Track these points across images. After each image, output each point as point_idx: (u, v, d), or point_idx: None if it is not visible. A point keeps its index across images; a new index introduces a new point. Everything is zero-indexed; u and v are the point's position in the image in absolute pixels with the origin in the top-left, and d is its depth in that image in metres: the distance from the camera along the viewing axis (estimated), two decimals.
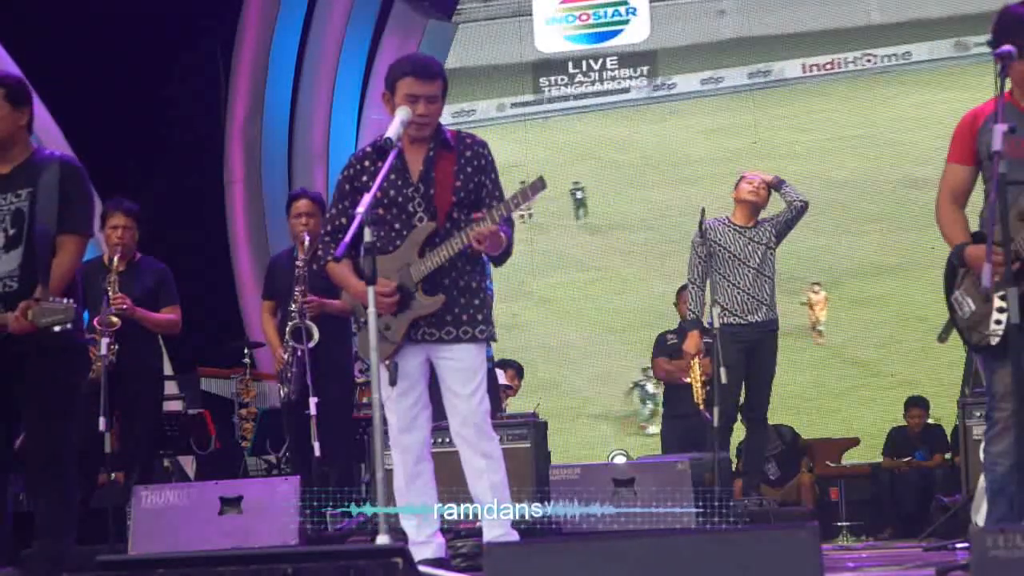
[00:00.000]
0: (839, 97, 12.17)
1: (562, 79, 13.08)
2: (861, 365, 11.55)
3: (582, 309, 12.70)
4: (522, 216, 12.47)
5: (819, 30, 12.23)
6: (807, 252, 11.49)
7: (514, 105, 12.96)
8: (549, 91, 13.13)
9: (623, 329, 12.32)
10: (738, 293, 7.61)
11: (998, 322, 4.37)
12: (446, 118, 5.19)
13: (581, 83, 13.06)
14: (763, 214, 7.86)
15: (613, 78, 13.00)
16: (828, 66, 12.22)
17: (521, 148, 12.69)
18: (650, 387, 11.77)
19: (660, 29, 12.77)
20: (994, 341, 4.39)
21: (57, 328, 4.43)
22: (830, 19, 12.26)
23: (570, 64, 13.08)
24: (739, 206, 7.78)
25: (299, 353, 6.92)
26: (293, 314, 6.96)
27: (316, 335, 6.91)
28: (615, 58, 13.00)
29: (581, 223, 12.73)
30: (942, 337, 4.66)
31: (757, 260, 7.67)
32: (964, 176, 4.60)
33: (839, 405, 11.59)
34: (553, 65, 13.11)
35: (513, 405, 9.61)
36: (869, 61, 12.11)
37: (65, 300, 4.48)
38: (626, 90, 12.80)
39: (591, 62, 13.02)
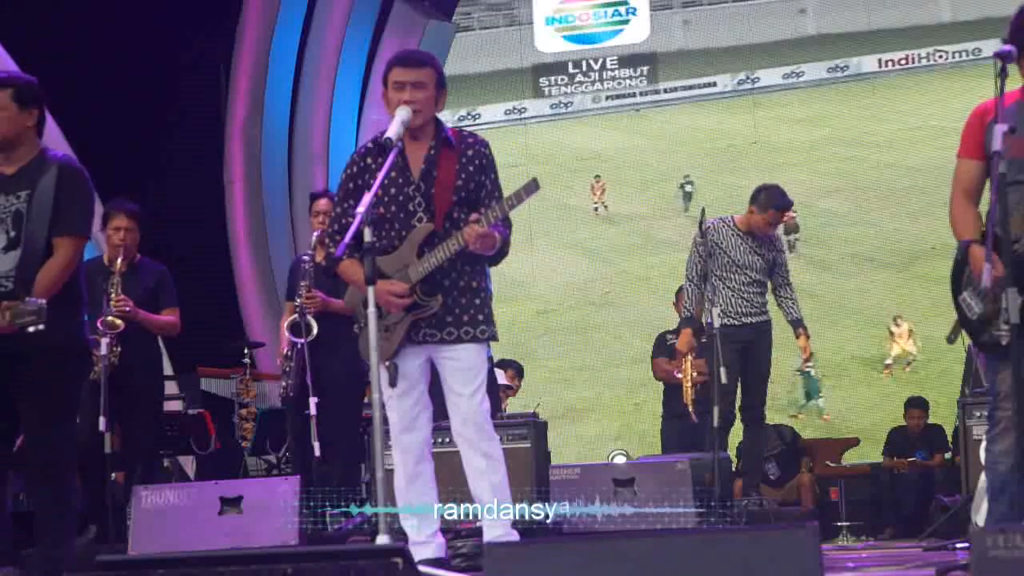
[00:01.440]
0: (914, 90, 12.69)
1: (562, 79, 13.09)
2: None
3: None
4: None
5: (894, 27, 12.80)
6: (890, 233, 11.88)
7: (609, 97, 13.20)
8: (549, 91, 13.13)
9: None
10: (732, 296, 7.61)
11: (1007, 323, 4.36)
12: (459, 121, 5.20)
13: (581, 83, 13.06)
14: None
15: (613, 78, 13.01)
16: (903, 61, 12.72)
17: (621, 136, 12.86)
18: (813, 373, 11.70)
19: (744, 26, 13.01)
20: (1004, 341, 4.39)
21: (31, 329, 4.40)
22: (904, 17, 12.81)
23: (570, 64, 13.09)
24: (756, 222, 7.72)
25: (298, 346, 6.95)
26: (298, 308, 7.01)
27: (315, 331, 6.93)
28: (615, 58, 13.01)
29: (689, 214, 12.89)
30: (951, 338, 4.66)
31: (755, 270, 7.67)
32: (975, 171, 4.59)
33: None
34: (553, 66, 13.12)
35: (513, 405, 9.62)
36: (941, 57, 12.64)
37: (39, 301, 4.46)
38: (713, 84, 13.10)
39: (591, 62, 13.03)
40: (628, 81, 12.95)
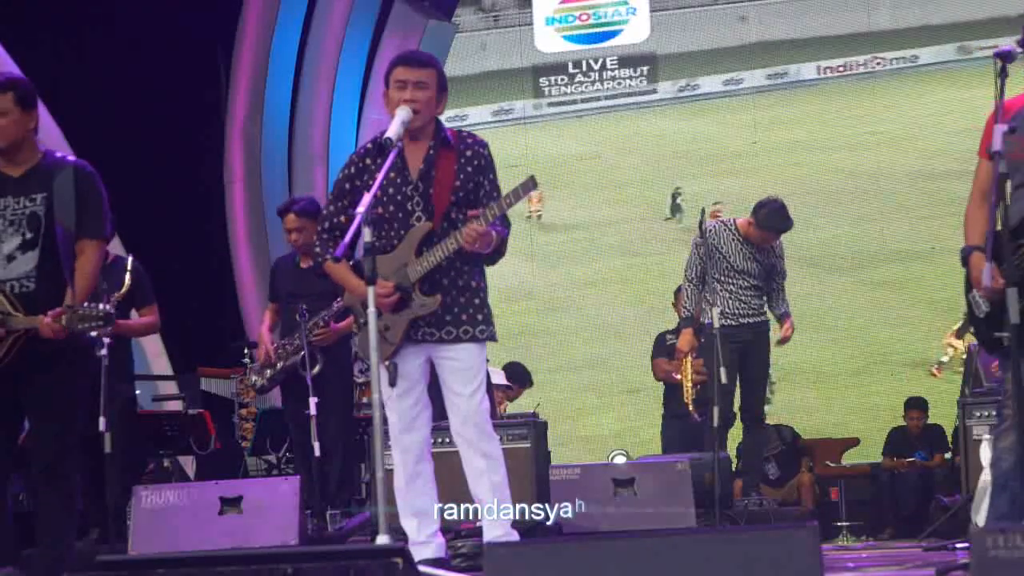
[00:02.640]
0: (854, 97, 12.78)
1: (562, 79, 13.08)
2: (877, 344, 11.95)
3: None
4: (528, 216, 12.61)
5: (832, 35, 12.92)
6: (833, 239, 11.95)
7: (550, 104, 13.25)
8: (549, 91, 13.13)
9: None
10: (730, 298, 7.62)
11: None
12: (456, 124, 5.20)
13: (581, 83, 13.06)
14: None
15: (613, 78, 13.00)
16: (841, 68, 12.87)
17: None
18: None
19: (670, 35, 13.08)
20: (1007, 342, 4.39)
21: (95, 333, 4.57)
22: (841, 26, 12.90)
23: (570, 64, 13.08)
24: (753, 235, 7.71)
25: (289, 362, 7.03)
26: (296, 341, 7.03)
27: (319, 366, 7.03)
28: (615, 58, 13.01)
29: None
30: (960, 334, 4.68)
31: (753, 276, 7.67)
32: (991, 170, 4.58)
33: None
34: (553, 66, 13.11)
35: (513, 405, 9.61)
36: (879, 64, 12.74)
37: (102, 306, 4.58)
38: (654, 91, 13.14)
39: (591, 62, 13.03)
40: (628, 81, 12.95)
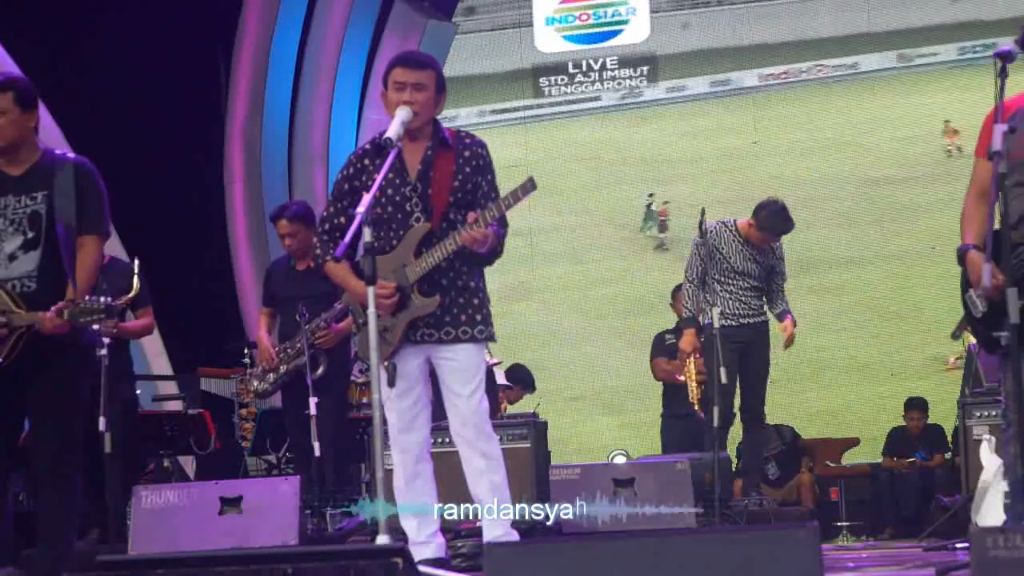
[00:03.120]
0: (795, 103, 12.95)
1: (562, 79, 13.08)
2: (821, 349, 12.05)
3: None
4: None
5: (775, 43, 13.04)
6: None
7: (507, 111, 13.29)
8: (549, 91, 13.13)
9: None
10: (730, 299, 7.62)
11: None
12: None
13: (581, 83, 13.06)
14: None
15: (613, 78, 13.01)
16: (783, 75, 12.98)
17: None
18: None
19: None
20: (1004, 342, 4.38)
21: (96, 326, 4.61)
22: (784, 33, 13.02)
23: (570, 64, 13.08)
24: (753, 236, 7.71)
25: (291, 366, 7.04)
26: (299, 344, 7.02)
27: (321, 369, 7.02)
28: (615, 58, 13.01)
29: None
30: (956, 334, 4.67)
31: (754, 277, 7.67)
32: (989, 170, 4.58)
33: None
34: (553, 66, 13.11)
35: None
36: (820, 71, 12.88)
37: (102, 299, 4.60)
38: (598, 98, 13.17)
39: (591, 62, 13.03)
40: (628, 81, 12.95)
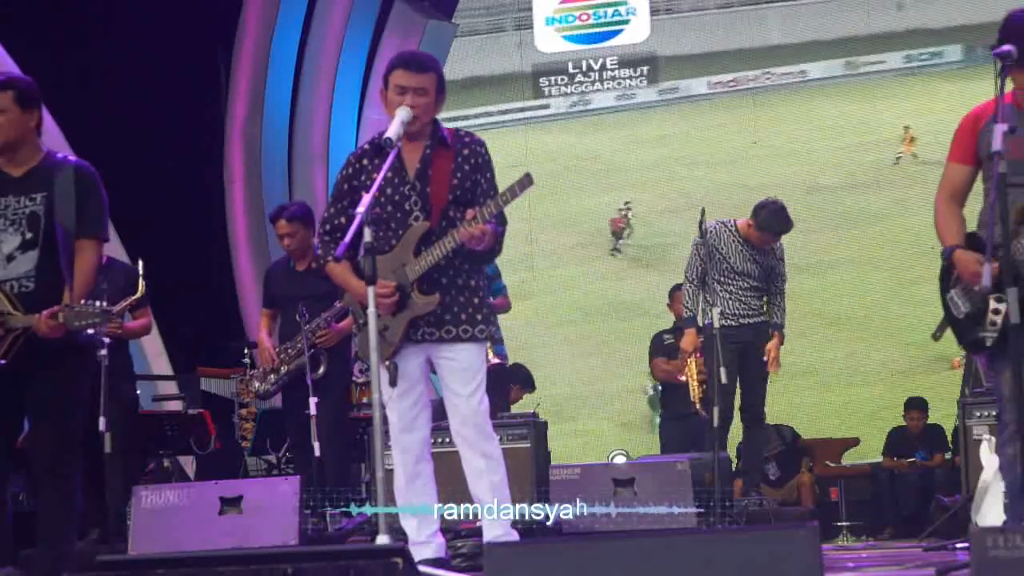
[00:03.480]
0: (743, 110, 13.05)
1: (562, 79, 13.09)
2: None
3: None
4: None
5: (723, 51, 13.17)
6: None
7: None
8: (549, 91, 13.14)
9: None
10: (730, 299, 7.62)
11: (993, 324, 4.37)
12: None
13: (581, 83, 13.07)
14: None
15: (613, 78, 13.01)
16: (732, 83, 13.08)
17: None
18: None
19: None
20: (989, 342, 4.39)
21: (91, 331, 4.54)
22: (734, 41, 13.14)
23: (570, 64, 13.09)
24: (753, 236, 7.69)
25: (292, 367, 7.05)
26: (300, 344, 7.02)
27: (322, 369, 7.02)
28: (615, 58, 13.01)
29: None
30: (936, 335, 4.66)
31: (753, 278, 7.66)
32: (964, 176, 4.61)
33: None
34: (553, 66, 13.12)
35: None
36: (768, 79, 12.99)
37: (98, 303, 4.58)
38: (547, 106, 13.29)
39: (591, 62, 13.03)
40: (628, 81, 12.96)
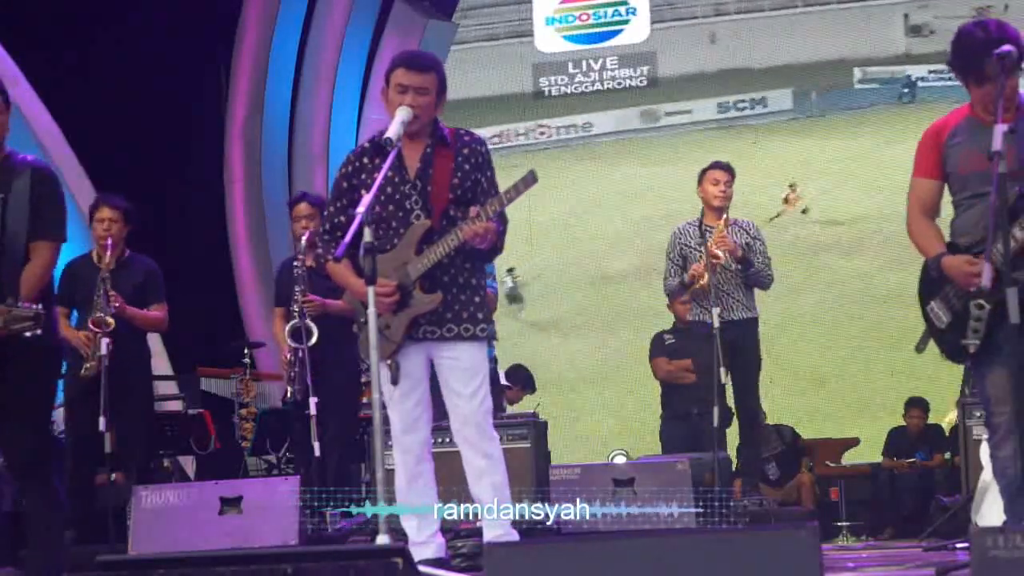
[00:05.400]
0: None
1: (562, 79, 13.09)
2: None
3: None
4: None
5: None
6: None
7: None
8: (549, 91, 13.14)
9: None
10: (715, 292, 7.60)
11: (975, 331, 4.37)
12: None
13: (581, 83, 13.07)
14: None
15: (613, 78, 13.02)
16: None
17: None
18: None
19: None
20: (972, 349, 4.39)
21: (28, 334, 4.39)
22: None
23: (570, 64, 13.09)
24: (707, 197, 7.69)
25: (300, 354, 6.94)
26: (295, 313, 6.99)
27: (315, 335, 6.93)
28: (615, 58, 13.02)
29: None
30: (920, 347, 4.65)
31: (732, 263, 7.64)
32: (931, 189, 4.60)
33: None
34: (553, 66, 13.12)
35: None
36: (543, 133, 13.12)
37: (35, 306, 4.44)
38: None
39: (591, 62, 13.03)
40: (628, 81, 12.96)
